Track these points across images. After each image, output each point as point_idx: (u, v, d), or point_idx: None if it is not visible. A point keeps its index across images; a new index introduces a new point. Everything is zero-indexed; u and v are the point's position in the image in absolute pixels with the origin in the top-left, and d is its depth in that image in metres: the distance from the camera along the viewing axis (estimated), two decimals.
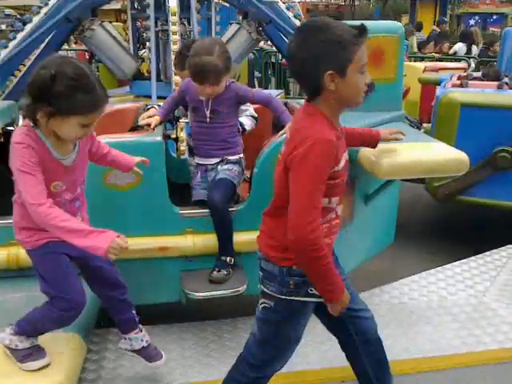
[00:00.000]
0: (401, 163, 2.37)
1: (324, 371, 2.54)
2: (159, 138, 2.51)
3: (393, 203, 3.26)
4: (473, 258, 3.77)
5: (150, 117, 2.71)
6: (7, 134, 3.08)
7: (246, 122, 2.91)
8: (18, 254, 2.45)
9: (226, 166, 2.67)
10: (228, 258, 2.56)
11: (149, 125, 2.63)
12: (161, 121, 2.68)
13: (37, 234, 1.98)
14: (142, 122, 2.69)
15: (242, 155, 2.77)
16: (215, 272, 2.53)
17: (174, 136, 2.94)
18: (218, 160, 2.69)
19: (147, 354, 2.30)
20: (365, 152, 2.49)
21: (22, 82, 7.38)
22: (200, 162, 2.74)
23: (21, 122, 3.21)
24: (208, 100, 2.59)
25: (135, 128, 2.70)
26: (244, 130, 2.87)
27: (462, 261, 3.74)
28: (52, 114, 1.76)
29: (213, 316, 2.99)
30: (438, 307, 3.13)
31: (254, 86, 9.58)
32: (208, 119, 2.62)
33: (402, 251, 4.18)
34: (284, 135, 2.56)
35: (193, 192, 2.76)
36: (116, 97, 6.85)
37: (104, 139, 2.48)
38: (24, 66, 7.26)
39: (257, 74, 11.07)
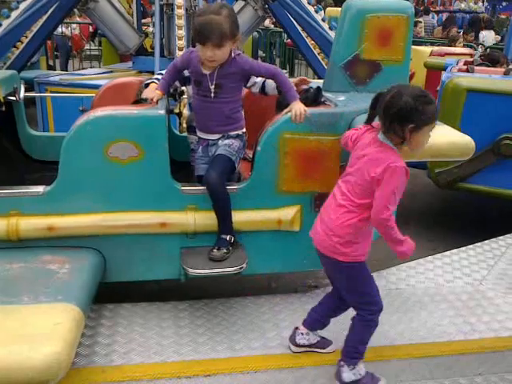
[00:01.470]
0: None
1: (320, 354, 2.53)
2: (162, 112, 2.48)
3: None
4: (471, 246, 3.75)
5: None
6: (8, 104, 3.06)
7: (271, 84, 2.83)
8: (18, 224, 2.43)
9: (226, 141, 2.61)
10: (228, 237, 2.55)
11: (152, 99, 2.59)
12: (163, 95, 2.63)
13: (360, 248, 2.22)
14: (144, 95, 2.65)
15: (244, 130, 2.70)
16: (215, 250, 2.51)
17: (176, 111, 2.90)
18: (219, 136, 2.63)
19: (321, 344, 2.54)
20: None
21: (24, 53, 7.34)
22: (201, 136, 2.69)
23: (22, 92, 3.17)
24: (212, 73, 2.52)
25: (138, 102, 2.66)
26: (264, 92, 2.82)
27: (461, 249, 3.72)
28: (414, 129, 2.06)
29: (208, 295, 2.99)
30: (435, 294, 3.12)
31: None
32: (212, 94, 2.54)
33: None
34: (289, 114, 2.54)
35: (195, 166, 2.73)
36: (118, 72, 6.81)
37: (106, 111, 2.46)
38: (26, 37, 7.20)
39: (260, 53, 10.97)
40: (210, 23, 2.37)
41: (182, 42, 4.70)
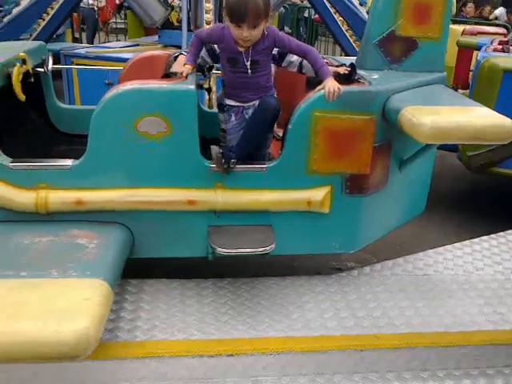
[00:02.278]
0: (445, 126, 2.26)
1: (343, 338, 2.49)
2: (192, 87, 2.42)
3: (428, 171, 3.15)
4: (502, 233, 3.65)
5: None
6: (36, 76, 3.03)
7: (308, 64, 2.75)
8: (47, 197, 2.43)
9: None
10: (234, 160, 2.49)
11: (181, 73, 2.53)
12: (192, 68, 2.58)
13: None
14: (174, 69, 2.60)
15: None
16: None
17: (206, 86, 2.84)
18: (255, 101, 2.62)
19: None
20: (405, 113, 2.37)
21: (50, 25, 7.32)
22: (237, 105, 2.65)
23: (51, 64, 3.15)
24: (247, 51, 2.49)
25: (167, 75, 2.61)
26: (302, 72, 2.77)
27: (491, 235, 3.62)
28: None
29: (232, 274, 2.97)
30: (464, 282, 3.04)
31: None
32: (249, 70, 2.52)
33: (427, 221, 4.08)
34: (321, 91, 2.47)
35: (228, 137, 2.67)
36: (144, 45, 6.75)
37: (135, 85, 2.41)
38: (52, 8, 7.16)
39: (286, 29, 10.81)
40: (246, 4, 2.32)
41: (209, 16, 4.61)
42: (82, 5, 12.29)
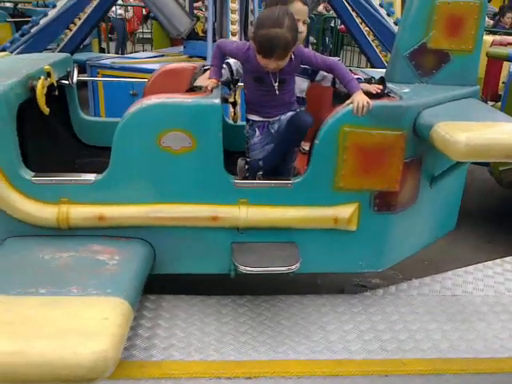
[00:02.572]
0: (481, 144, 2.16)
1: (367, 362, 2.39)
2: (217, 101, 2.37)
3: (459, 187, 3.04)
4: None
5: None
6: (61, 87, 3.02)
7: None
8: (69, 212, 2.39)
9: (289, 113, 2.58)
10: (260, 173, 2.49)
11: (206, 87, 2.49)
12: (217, 82, 2.54)
13: None
14: (199, 82, 2.55)
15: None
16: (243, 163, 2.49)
17: (231, 100, 2.79)
18: (280, 115, 2.59)
19: None
20: (438, 129, 2.28)
21: (77, 35, 7.41)
22: (262, 120, 2.61)
23: (76, 76, 3.13)
24: (275, 72, 2.46)
25: (192, 89, 2.56)
26: (335, 86, 2.74)
27: None
28: None
29: (252, 289, 2.90)
30: (495, 303, 2.91)
31: None
32: (276, 90, 2.50)
33: (455, 237, 3.94)
34: (350, 105, 2.40)
35: (252, 153, 2.63)
36: (169, 56, 6.76)
37: (159, 99, 2.38)
38: (79, 19, 7.25)
39: (312, 39, 10.74)
40: (274, 38, 2.28)
41: (235, 27, 4.58)
42: (112, 15, 12.54)
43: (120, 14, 11.87)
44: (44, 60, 2.86)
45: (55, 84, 2.73)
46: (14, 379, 1.77)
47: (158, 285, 2.72)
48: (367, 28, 7.24)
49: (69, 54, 3.27)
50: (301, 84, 2.93)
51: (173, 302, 2.71)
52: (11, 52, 5.25)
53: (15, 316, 1.92)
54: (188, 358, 2.33)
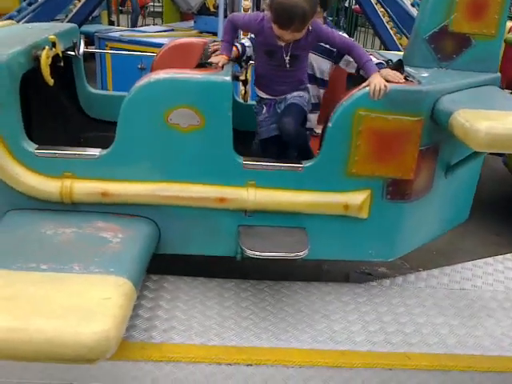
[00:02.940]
0: (502, 134, 2.07)
1: (371, 354, 2.33)
2: (228, 78, 2.28)
3: (474, 178, 2.96)
4: None
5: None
6: (67, 59, 2.93)
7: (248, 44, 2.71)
8: (72, 187, 2.33)
9: (295, 93, 2.51)
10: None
11: (217, 63, 2.40)
12: (228, 59, 2.45)
13: None
14: (212, 59, 2.46)
15: (308, 84, 2.63)
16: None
17: (242, 78, 2.70)
18: (288, 94, 2.53)
19: None
20: (458, 117, 2.19)
21: (85, 6, 7.26)
22: (269, 98, 2.56)
23: (82, 47, 3.04)
24: (287, 45, 2.37)
25: (202, 65, 2.47)
26: (359, 73, 2.65)
27: None
28: None
29: (256, 272, 2.84)
30: (504, 299, 2.83)
31: None
32: (288, 65, 2.41)
33: (465, 228, 3.86)
34: (366, 88, 2.31)
35: (259, 129, 2.59)
36: (179, 31, 6.64)
37: (168, 74, 2.29)
38: None
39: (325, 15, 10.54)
40: (292, 8, 2.18)
41: (247, 3, 4.45)
42: None
43: None
44: (50, 29, 2.78)
45: (60, 55, 2.64)
46: (12, 356, 1.73)
47: (163, 264, 2.67)
48: (382, 9, 7.07)
49: (75, 25, 3.18)
50: (321, 64, 2.84)
51: (175, 284, 2.65)
52: (18, 21, 5.14)
53: (16, 292, 1.87)
54: (188, 342, 2.28)
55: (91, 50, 5.49)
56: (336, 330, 2.45)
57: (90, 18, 8.06)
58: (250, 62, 2.86)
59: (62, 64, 2.69)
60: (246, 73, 2.74)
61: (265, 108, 2.57)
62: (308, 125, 2.72)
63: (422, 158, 2.42)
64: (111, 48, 5.85)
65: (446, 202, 2.78)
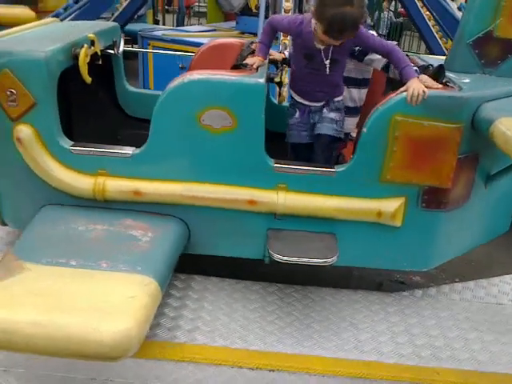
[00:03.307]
0: None
1: (398, 367, 2.27)
2: (262, 81, 2.26)
3: None
4: None
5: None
6: (107, 57, 2.97)
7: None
8: (105, 184, 2.36)
9: (331, 114, 2.49)
10: None
11: (252, 64, 2.39)
12: (263, 60, 2.43)
13: None
14: (247, 60, 2.45)
15: (350, 104, 2.63)
16: None
17: (277, 80, 2.67)
18: (323, 103, 2.51)
19: None
20: (499, 125, 2.10)
21: (131, 5, 7.39)
22: (303, 103, 2.53)
23: (122, 46, 3.08)
24: (327, 49, 2.34)
25: (238, 66, 2.46)
26: (388, 71, 2.65)
27: None
28: None
29: (284, 275, 2.78)
30: None
31: None
32: (327, 69, 2.39)
33: (507, 240, 3.72)
34: (404, 93, 2.24)
35: (289, 132, 2.58)
36: (221, 31, 6.66)
37: (202, 75, 2.28)
38: None
39: (368, 21, 10.38)
40: (346, 18, 2.16)
41: (288, 4, 4.42)
42: None
43: None
44: (91, 28, 2.82)
45: (99, 53, 2.68)
46: (34, 350, 1.75)
47: (190, 262, 2.67)
48: (428, 12, 6.91)
49: (117, 24, 3.22)
50: (357, 64, 2.79)
51: (202, 284, 2.65)
52: (64, 19, 5.27)
53: (43, 286, 1.90)
54: (212, 343, 2.28)
55: (129, 48, 5.56)
56: (362, 339, 2.40)
57: (136, 16, 8.21)
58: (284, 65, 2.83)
59: (100, 62, 2.72)
60: (281, 75, 2.70)
61: (298, 112, 2.55)
62: (346, 129, 2.67)
63: (461, 167, 2.33)
64: (154, 47, 5.92)
65: (485, 212, 2.68)
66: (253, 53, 2.63)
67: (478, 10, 2.52)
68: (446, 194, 2.35)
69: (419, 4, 7.02)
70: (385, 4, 10.94)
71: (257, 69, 2.39)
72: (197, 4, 13.18)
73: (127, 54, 3.21)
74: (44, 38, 2.55)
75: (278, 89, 2.93)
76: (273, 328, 2.41)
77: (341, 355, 2.28)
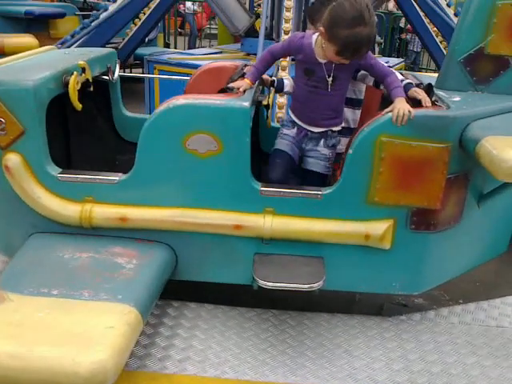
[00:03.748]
0: None
1: None
2: (246, 104, 2.25)
3: (511, 207, 2.76)
4: None
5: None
6: (99, 83, 3.00)
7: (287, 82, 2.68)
8: (92, 211, 2.36)
9: (325, 151, 2.50)
10: None
11: (238, 88, 2.38)
12: (252, 84, 2.42)
13: None
14: (231, 84, 2.44)
15: (343, 124, 2.58)
16: None
17: (265, 103, 2.66)
18: (321, 130, 2.48)
19: None
20: (485, 144, 2.05)
21: (141, 30, 7.51)
22: (301, 125, 2.51)
23: (117, 72, 3.11)
24: (329, 63, 2.31)
25: (224, 90, 2.46)
26: (378, 86, 2.61)
27: None
28: None
29: (283, 298, 2.72)
30: None
31: (373, 53, 8.99)
32: (329, 87, 2.35)
33: (509, 263, 3.62)
34: (389, 113, 2.21)
35: (279, 140, 2.56)
36: (227, 53, 6.71)
37: (187, 100, 2.29)
38: (144, 14, 7.35)
39: (378, 39, 10.36)
40: (361, 39, 2.14)
41: (288, 26, 4.43)
42: (186, 10, 12.75)
43: (194, 10, 12.06)
44: (84, 55, 2.85)
45: (90, 80, 2.70)
46: (13, 383, 1.74)
47: (185, 290, 2.65)
48: (435, 28, 6.88)
49: (113, 50, 3.25)
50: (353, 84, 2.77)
51: (195, 312, 2.62)
52: (70, 45, 5.37)
53: (23, 317, 1.90)
54: (202, 374, 2.23)
55: (126, 74, 5.63)
56: (357, 366, 2.33)
57: (146, 40, 8.34)
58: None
59: (91, 89, 2.75)
60: (269, 98, 2.69)
61: (295, 129, 2.52)
62: (338, 149, 2.65)
63: (450, 187, 2.28)
64: (160, 71, 5.97)
65: (481, 232, 2.61)
66: (243, 76, 2.63)
67: (469, 27, 2.49)
68: (436, 214, 2.30)
69: (426, 20, 7.00)
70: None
71: (243, 92, 2.38)
72: (208, 27, 13.34)
73: (136, 79, 3.23)
74: (35, 66, 2.57)
75: (266, 112, 2.92)
76: (265, 357, 2.36)
77: None
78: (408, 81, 2.47)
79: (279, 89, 2.74)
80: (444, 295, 3.34)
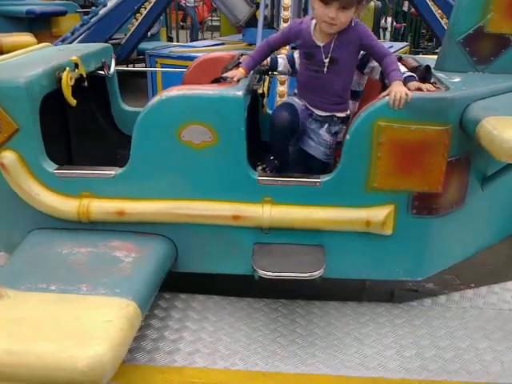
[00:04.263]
0: None
1: (405, 383, 2.16)
2: (240, 93, 2.22)
3: None
4: None
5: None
6: (97, 79, 2.98)
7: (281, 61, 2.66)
8: (89, 206, 2.34)
9: (327, 137, 2.44)
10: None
11: (232, 77, 2.35)
12: (246, 74, 2.38)
13: None
14: (228, 73, 2.41)
15: (348, 112, 2.50)
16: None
17: (260, 91, 2.62)
18: (326, 114, 2.43)
19: None
20: (486, 124, 2.00)
21: (142, 24, 7.50)
22: (307, 106, 2.46)
23: (113, 66, 3.09)
24: (328, 45, 2.28)
25: (218, 80, 2.43)
26: (384, 80, 2.51)
27: None
28: None
29: (292, 287, 2.68)
30: None
31: (378, 37, 8.87)
32: (325, 68, 2.31)
33: None
34: (386, 97, 2.16)
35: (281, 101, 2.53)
36: (229, 44, 6.67)
37: (180, 91, 2.26)
38: (145, 8, 7.32)
39: (383, 23, 10.25)
40: None
41: (287, 13, 4.38)
42: (187, 4, 12.71)
43: (195, 2, 12.01)
44: (78, 51, 2.83)
45: (84, 75, 2.68)
46: (10, 379, 1.74)
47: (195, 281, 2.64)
48: (440, 11, 6.79)
49: (109, 45, 3.23)
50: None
51: (204, 304, 2.59)
52: (71, 42, 5.36)
53: (21, 314, 1.90)
54: (212, 366, 2.20)
55: (121, 68, 5.60)
56: (368, 354, 2.29)
57: (149, 35, 8.32)
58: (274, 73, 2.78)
59: (85, 84, 2.73)
60: (263, 86, 2.65)
61: (301, 109, 2.45)
62: (339, 138, 2.60)
63: (452, 170, 2.23)
64: (161, 64, 5.96)
65: (485, 215, 2.56)
66: (238, 66, 2.59)
67: (468, 6, 2.43)
68: (438, 199, 2.25)
69: (430, 3, 6.90)
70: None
71: (238, 81, 2.35)
72: (210, 19, 13.29)
73: (141, 73, 3.21)
74: (28, 63, 2.56)
75: (261, 100, 2.88)
76: (275, 347, 2.33)
77: (345, 373, 2.19)
78: (409, 74, 2.38)
79: (273, 67, 2.70)
80: (455, 279, 3.29)
